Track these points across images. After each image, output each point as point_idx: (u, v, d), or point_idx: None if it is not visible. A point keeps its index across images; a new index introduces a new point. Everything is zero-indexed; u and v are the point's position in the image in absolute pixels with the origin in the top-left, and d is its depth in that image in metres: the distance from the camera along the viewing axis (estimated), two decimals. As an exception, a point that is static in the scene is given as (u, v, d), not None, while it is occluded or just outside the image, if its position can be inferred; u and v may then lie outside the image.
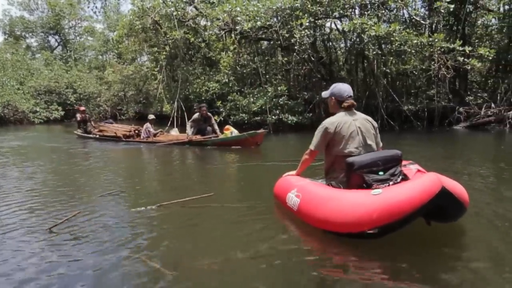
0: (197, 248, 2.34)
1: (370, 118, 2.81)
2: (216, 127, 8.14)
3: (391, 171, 2.44)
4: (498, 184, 3.80)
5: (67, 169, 5.55)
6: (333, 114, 2.79)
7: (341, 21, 12.11)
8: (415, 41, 9.20)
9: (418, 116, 11.41)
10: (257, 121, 10.99)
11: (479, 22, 13.06)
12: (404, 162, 2.70)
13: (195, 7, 12.87)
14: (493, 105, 10.83)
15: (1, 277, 1.97)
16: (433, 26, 11.51)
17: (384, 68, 11.42)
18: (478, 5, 11.83)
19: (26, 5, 28.96)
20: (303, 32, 10.09)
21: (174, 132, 9.41)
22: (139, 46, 16.38)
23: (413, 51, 9.86)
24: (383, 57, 11.18)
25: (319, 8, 10.18)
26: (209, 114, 8.30)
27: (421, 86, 12.23)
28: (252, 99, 11.14)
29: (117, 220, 2.86)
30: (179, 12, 12.38)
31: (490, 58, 9.67)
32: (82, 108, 11.67)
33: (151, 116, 9.28)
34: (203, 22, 13.14)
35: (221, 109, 11.54)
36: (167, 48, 13.37)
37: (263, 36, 12.14)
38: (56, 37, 30.38)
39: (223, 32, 12.43)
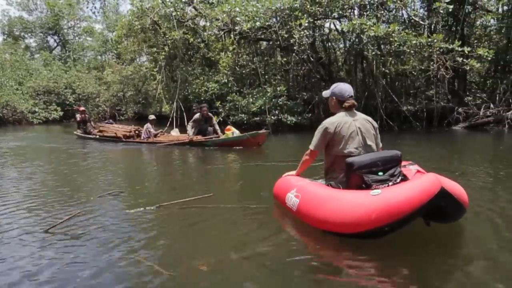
0: (196, 248, 2.33)
1: (370, 119, 2.80)
2: (217, 127, 8.09)
3: (391, 172, 2.44)
4: (497, 184, 3.80)
5: (66, 170, 5.53)
6: (332, 114, 2.79)
7: (340, 22, 12.13)
8: (414, 42, 9.21)
9: (417, 116, 11.43)
10: (256, 121, 11.00)
11: (478, 22, 13.09)
12: (403, 163, 2.70)
13: (194, 7, 12.87)
14: (492, 105, 10.86)
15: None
16: (432, 27, 11.53)
17: (383, 69, 11.44)
18: (477, 6, 11.85)
19: (25, 5, 28.95)
20: (302, 32, 10.09)
21: (175, 132, 9.33)
22: (138, 46, 16.40)
23: (412, 51, 9.87)
24: (382, 58, 11.20)
25: (318, 8, 10.19)
26: (210, 114, 8.24)
27: (420, 87, 12.26)
28: (251, 100, 11.15)
29: (116, 221, 2.85)
30: (178, 13, 12.39)
31: (489, 58, 9.69)
32: (82, 108, 11.64)
33: (152, 117, 9.19)
34: (202, 23, 13.14)
35: (220, 110, 11.54)
36: (166, 48, 13.38)
37: (262, 36, 12.15)
38: (55, 37, 30.37)
39: (222, 32, 12.43)
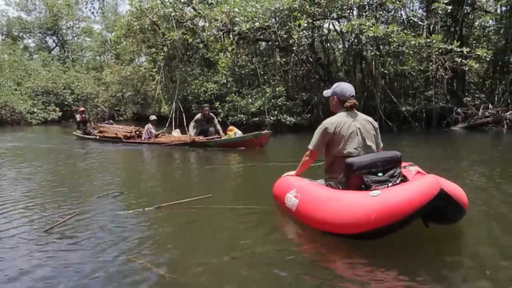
0: (194, 249, 2.33)
1: (370, 119, 2.80)
2: (219, 127, 8.02)
3: (390, 173, 2.43)
4: (496, 185, 3.80)
5: (66, 170, 5.52)
6: (332, 114, 2.78)
7: (339, 22, 12.15)
8: (413, 42, 9.23)
9: (416, 117, 11.44)
10: (256, 122, 11.00)
11: (476, 23, 13.14)
12: (404, 164, 2.69)
13: (193, 8, 12.87)
14: (490, 106, 10.88)
15: (-2, 279, 1.96)
16: (431, 27, 11.54)
17: (382, 69, 11.45)
18: (476, 6, 11.88)
19: (24, 5, 28.92)
20: (301, 33, 10.10)
21: (176, 133, 9.24)
22: (137, 47, 16.37)
23: (411, 52, 9.88)
24: (381, 58, 11.21)
25: (317, 9, 10.20)
26: (212, 114, 8.16)
27: (419, 87, 12.28)
28: (250, 100, 11.15)
29: (115, 222, 2.85)
30: (177, 13, 12.38)
31: (488, 59, 9.72)
32: (82, 108, 11.60)
33: (153, 117, 9.09)
34: (201, 23, 13.15)
35: (220, 110, 11.53)
36: (165, 49, 13.37)
37: (261, 37, 12.15)
38: (54, 37, 30.33)
39: (221, 33, 12.43)
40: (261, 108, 10.82)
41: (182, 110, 12.70)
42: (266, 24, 10.68)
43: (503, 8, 11.95)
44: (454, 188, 2.21)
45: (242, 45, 12.80)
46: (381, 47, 11.01)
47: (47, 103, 20.44)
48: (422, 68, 10.80)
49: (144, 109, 21.57)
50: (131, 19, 13.69)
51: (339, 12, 10.71)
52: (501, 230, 2.49)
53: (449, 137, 9.46)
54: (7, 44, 26.68)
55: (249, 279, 1.93)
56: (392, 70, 11.84)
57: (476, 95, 12.42)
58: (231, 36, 11.66)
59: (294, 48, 10.49)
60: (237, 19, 10.62)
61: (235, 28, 10.98)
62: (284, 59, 12.55)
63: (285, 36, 10.53)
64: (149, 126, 8.76)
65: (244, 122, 11.03)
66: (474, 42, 12.80)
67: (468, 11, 11.81)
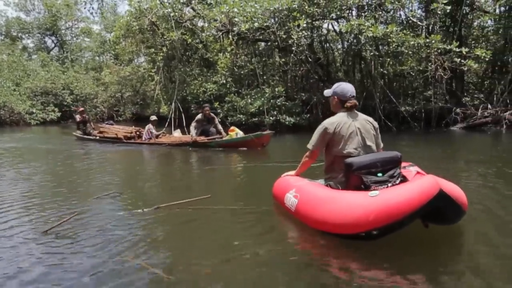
0: (193, 250, 2.33)
1: (371, 119, 2.80)
2: (220, 127, 7.99)
3: (390, 173, 2.43)
4: (495, 185, 3.81)
5: (64, 171, 5.51)
6: (331, 114, 2.78)
7: (338, 22, 12.14)
8: (412, 43, 9.23)
9: (415, 117, 11.45)
10: (255, 122, 11.00)
11: (475, 23, 13.15)
12: (403, 164, 2.69)
13: (192, 8, 12.87)
14: (489, 106, 10.89)
15: (-3, 280, 1.96)
16: (430, 28, 11.55)
17: (381, 69, 11.46)
18: (475, 7, 11.90)
19: (23, 6, 28.87)
20: (300, 33, 10.10)
21: (177, 133, 9.21)
22: (136, 47, 16.34)
23: (410, 52, 9.89)
24: (380, 58, 11.22)
25: (316, 9, 10.20)
26: (212, 114, 8.14)
27: (418, 87, 12.28)
28: (249, 100, 11.15)
29: (113, 223, 2.84)
30: (176, 13, 12.37)
31: (487, 59, 9.72)
32: (81, 109, 11.55)
33: (153, 117, 9.05)
34: (200, 23, 13.14)
35: (219, 110, 11.53)
36: (164, 49, 13.35)
37: (261, 37, 12.15)
38: (53, 38, 30.29)
39: (221, 33, 12.42)
40: (261, 108, 10.81)
41: (181, 110, 12.68)
42: (265, 24, 10.67)
43: (502, 8, 11.97)
44: (453, 189, 2.21)
45: (241, 45, 12.80)
46: (380, 47, 11.02)
47: (46, 103, 20.40)
48: (421, 68, 10.80)
49: (143, 110, 21.54)
50: (130, 20, 13.66)
51: (338, 13, 10.72)
52: (501, 230, 2.48)
53: (448, 137, 9.47)
54: (6, 45, 26.63)
55: (248, 279, 1.93)
56: (391, 70, 11.84)
57: (475, 95, 12.44)
58: (230, 36, 11.66)
59: (293, 48, 10.49)
60: (236, 19, 10.62)
61: (234, 28, 10.97)
62: (283, 59, 12.54)
63: (284, 36, 10.53)
64: (149, 126, 8.72)
65: (243, 123, 11.02)
66: (473, 42, 12.81)
67: (467, 11, 11.82)
